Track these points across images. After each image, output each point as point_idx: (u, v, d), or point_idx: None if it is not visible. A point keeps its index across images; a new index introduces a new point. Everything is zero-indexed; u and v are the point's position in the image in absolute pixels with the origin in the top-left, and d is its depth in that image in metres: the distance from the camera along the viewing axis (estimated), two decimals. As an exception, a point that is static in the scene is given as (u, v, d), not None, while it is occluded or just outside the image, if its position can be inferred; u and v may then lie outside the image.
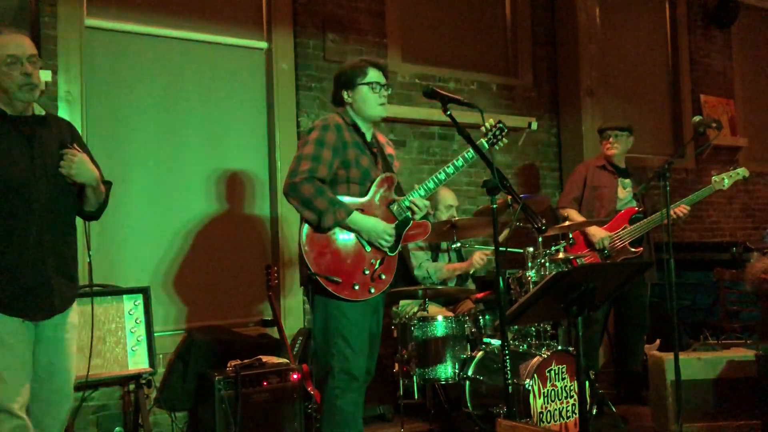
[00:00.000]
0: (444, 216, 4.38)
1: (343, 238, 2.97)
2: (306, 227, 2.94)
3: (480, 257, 4.33)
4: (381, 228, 2.99)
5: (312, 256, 2.92)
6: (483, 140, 3.22)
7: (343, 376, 2.94)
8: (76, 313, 2.70)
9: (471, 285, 4.53)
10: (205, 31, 4.47)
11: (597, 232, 4.48)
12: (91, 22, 4.06)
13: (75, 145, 2.60)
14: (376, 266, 3.01)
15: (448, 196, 4.45)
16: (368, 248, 3.00)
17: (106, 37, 4.14)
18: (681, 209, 4.43)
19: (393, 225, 3.04)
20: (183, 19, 4.40)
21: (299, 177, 2.90)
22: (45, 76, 3.67)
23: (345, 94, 3.10)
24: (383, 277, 3.04)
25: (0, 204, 2.47)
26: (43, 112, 2.65)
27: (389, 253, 3.05)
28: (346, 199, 2.97)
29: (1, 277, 2.48)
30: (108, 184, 2.76)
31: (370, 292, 2.99)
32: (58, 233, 2.58)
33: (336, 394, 2.95)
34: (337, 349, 2.95)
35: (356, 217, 2.94)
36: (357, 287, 2.95)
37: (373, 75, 3.09)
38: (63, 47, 3.85)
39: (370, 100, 3.09)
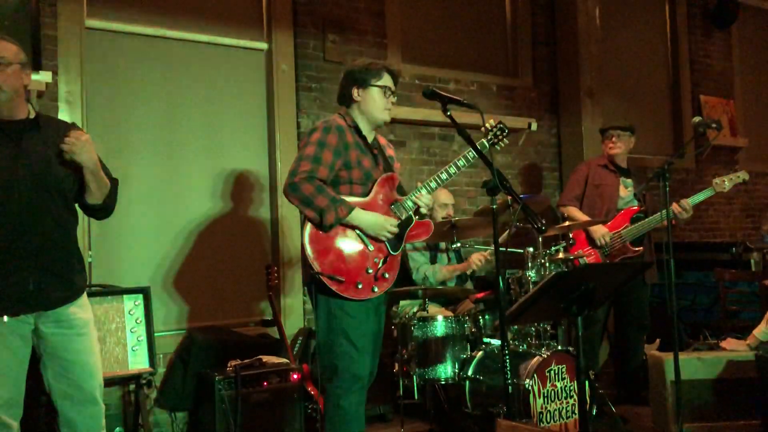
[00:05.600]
0: (439, 215, 4.39)
1: (346, 238, 2.97)
2: (309, 227, 2.93)
3: (478, 258, 4.33)
4: (383, 221, 2.99)
5: (315, 255, 2.92)
6: (483, 140, 3.22)
7: (347, 376, 2.94)
8: (82, 310, 2.72)
9: (470, 285, 4.53)
10: (205, 31, 4.47)
11: (598, 229, 4.49)
12: (91, 22, 4.06)
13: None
14: (380, 265, 3.01)
15: (442, 195, 4.45)
16: (371, 247, 3.01)
17: (106, 38, 4.14)
18: (683, 203, 4.41)
19: (396, 220, 3.05)
20: (183, 20, 4.40)
21: (299, 177, 2.90)
22: (45, 77, 3.69)
23: (355, 92, 3.10)
24: (386, 276, 3.04)
25: None
26: (33, 115, 2.68)
27: (392, 252, 3.06)
28: (349, 199, 2.98)
29: None
30: (114, 181, 2.80)
31: (373, 291, 2.99)
32: (44, 233, 2.60)
33: (339, 394, 2.95)
34: (341, 349, 2.94)
35: (357, 213, 2.95)
36: (360, 286, 2.95)
37: (387, 80, 3.12)
38: (63, 47, 3.85)
39: (379, 103, 3.10)
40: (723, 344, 3.83)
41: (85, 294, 2.78)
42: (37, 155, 2.59)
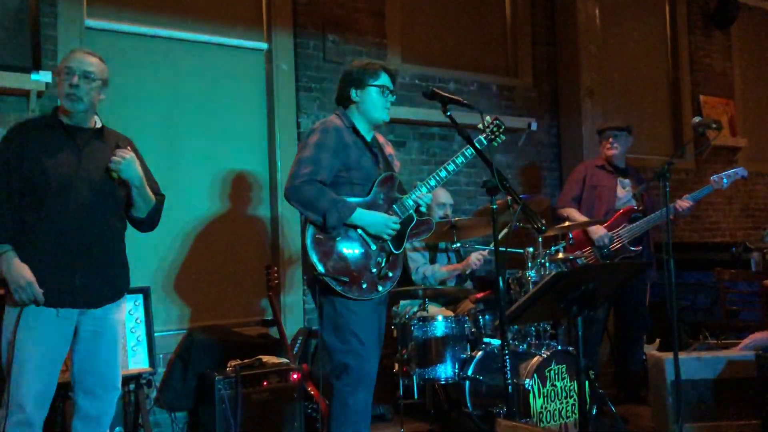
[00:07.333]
0: (436, 214, 4.37)
1: (349, 238, 2.98)
2: (311, 229, 2.94)
3: (476, 258, 4.32)
4: (385, 220, 3.01)
5: (318, 257, 2.93)
6: (481, 137, 3.22)
7: (356, 373, 2.95)
8: (119, 312, 2.87)
9: (469, 285, 4.53)
10: (205, 31, 4.47)
11: (597, 229, 4.48)
12: (91, 22, 4.06)
13: (129, 149, 2.81)
14: (383, 264, 3.03)
15: (440, 194, 4.42)
16: (374, 246, 3.02)
17: (106, 38, 4.14)
18: (683, 203, 4.42)
19: (397, 218, 3.06)
20: (183, 20, 4.40)
21: (299, 180, 2.92)
22: (45, 77, 3.69)
23: (353, 92, 3.11)
24: (390, 274, 3.06)
25: (41, 203, 2.65)
26: (99, 125, 2.84)
27: (394, 251, 3.06)
28: (349, 199, 2.99)
29: (33, 271, 2.61)
30: (161, 197, 2.95)
31: (378, 290, 3.01)
32: (94, 235, 2.73)
33: (348, 392, 2.95)
34: (351, 347, 2.95)
35: (359, 213, 2.96)
36: (365, 285, 2.97)
37: (385, 79, 3.13)
38: (63, 47, 3.85)
39: (377, 102, 3.11)
40: (746, 340, 3.80)
41: (124, 297, 2.92)
42: (97, 162, 2.74)
